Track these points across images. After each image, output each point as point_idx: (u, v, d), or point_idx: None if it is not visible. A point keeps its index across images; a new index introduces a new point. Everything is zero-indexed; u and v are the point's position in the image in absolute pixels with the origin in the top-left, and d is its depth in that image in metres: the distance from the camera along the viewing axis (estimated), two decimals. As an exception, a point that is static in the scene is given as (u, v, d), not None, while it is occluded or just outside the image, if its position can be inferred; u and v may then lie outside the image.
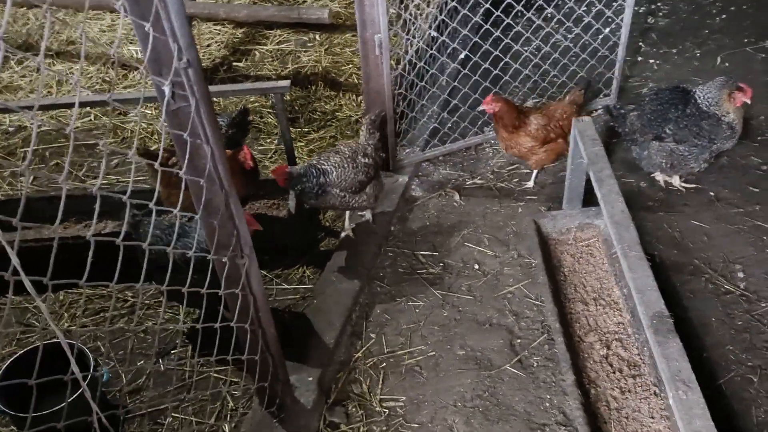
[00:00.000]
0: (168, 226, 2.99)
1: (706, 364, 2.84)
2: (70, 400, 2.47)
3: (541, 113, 3.73)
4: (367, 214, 3.63)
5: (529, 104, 4.20)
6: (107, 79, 5.30)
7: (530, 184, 3.90)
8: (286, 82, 3.16)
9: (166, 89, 1.74)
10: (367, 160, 3.24)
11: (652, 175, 3.82)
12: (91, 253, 1.51)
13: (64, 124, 4.81)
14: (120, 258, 1.68)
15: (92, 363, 2.64)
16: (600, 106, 4.44)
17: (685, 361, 1.93)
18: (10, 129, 4.88)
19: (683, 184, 3.73)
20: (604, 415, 2.54)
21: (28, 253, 1.50)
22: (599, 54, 4.35)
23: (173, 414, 2.77)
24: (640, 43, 5.24)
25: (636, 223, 3.57)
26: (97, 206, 1.57)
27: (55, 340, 2.92)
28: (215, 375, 2.91)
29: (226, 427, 2.71)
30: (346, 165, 3.17)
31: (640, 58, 5.07)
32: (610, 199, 2.56)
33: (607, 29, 4.28)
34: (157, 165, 1.76)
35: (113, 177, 4.30)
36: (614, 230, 2.45)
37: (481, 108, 3.70)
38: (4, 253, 1.34)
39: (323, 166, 3.15)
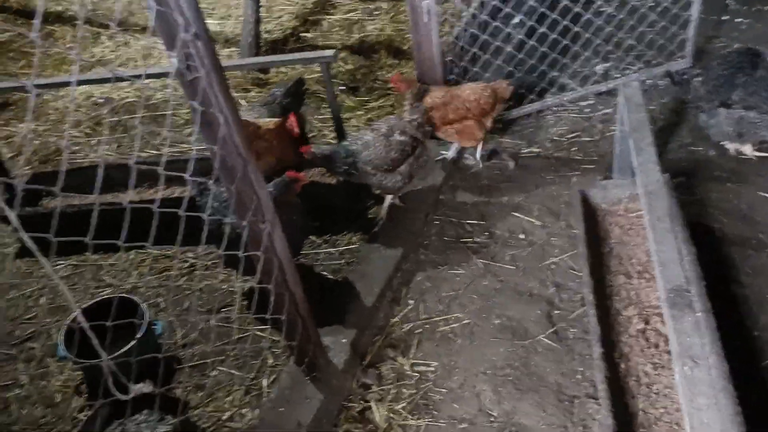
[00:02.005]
0: (226, 199, 3.12)
1: (757, 342, 2.68)
2: (128, 346, 2.72)
3: (441, 93, 3.58)
4: (387, 199, 3.54)
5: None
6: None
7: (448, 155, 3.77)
8: (331, 52, 3.21)
9: (176, 60, 1.84)
10: (403, 137, 3.23)
11: (722, 144, 3.58)
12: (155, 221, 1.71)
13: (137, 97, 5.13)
14: (182, 224, 1.87)
15: (147, 317, 2.87)
16: (673, 69, 4.18)
17: (697, 337, 1.85)
18: (100, 100, 5.26)
19: (756, 153, 3.48)
20: (633, 390, 2.47)
21: (104, 215, 1.68)
22: (672, 13, 4.07)
23: (218, 367, 2.96)
24: (728, 1, 4.84)
25: (701, 194, 3.42)
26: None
27: (117, 295, 3.20)
28: (258, 333, 3.07)
29: (264, 382, 2.86)
30: (377, 143, 3.19)
31: (726, 17, 4.70)
32: (646, 168, 2.45)
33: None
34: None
35: (186, 146, 4.55)
36: (646, 200, 2.34)
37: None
38: (79, 216, 1.53)
39: (352, 147, 3.19)
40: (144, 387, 2.19)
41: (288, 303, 2.47)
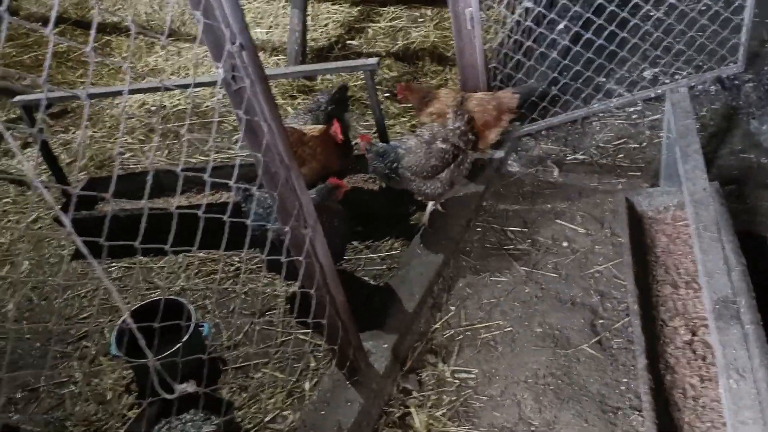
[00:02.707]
0: (270, 205, 3.18)
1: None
2: (176, 347, 2.81)
3: (449, 101, 3.51)
4: (429, 206, 3.52)
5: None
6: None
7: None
8: (374, 60, 3.25)
9: (222, 71, 1.91)
10: (445, 145, 3.24)
11: (776, 151, 3.47)
12: (201, 225, 1.81)
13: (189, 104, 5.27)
14: (227, 230, 1.96)
15: (194, 318, 2.96)
16: (724, 74, 4.07)
17: (743, 350, 1.80)
18: (152, 108, 5.44)
19: (811, 161, 3.36)
20: (678, 403, 2.41)
21: (154, 219, 1.77)
22: (723, 17, 3.96)
23: (262, 369, 3.03)
24: (783, 3, 4.69)
25: (752, 202, 3.32)
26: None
27: (166, 296, 3.30)
28: (301, 337, 3.13)
29: (307, 385, 2.91)
30: (419, 150, 3.21)
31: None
32: (693, 176, 2.40)
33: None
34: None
35: (233, 152, 4.67)
36: (692, 209, 2.29)
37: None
38: (131, 220, 1.61)
39: (398, 149, 3.21)
40: (188, 387, 2.25)
41: (329, 307, 2.51)
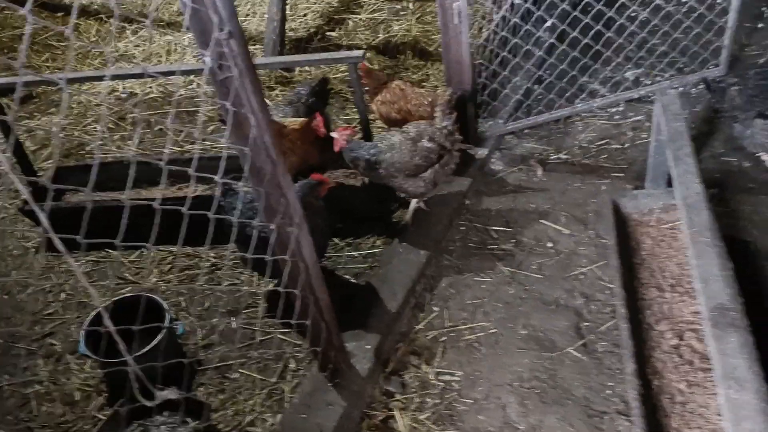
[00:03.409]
0: (251, 200, 3.06)
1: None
2: (149, 347, 2.69)
3: (398, 90, 3.64)
4: (413, 203, 3.46)
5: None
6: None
7: None
8: (359, 53, 3.16)
9: (209, 59, 1.80)
10: (430, 144, 3.17)
11: (757, 155, 3.48)
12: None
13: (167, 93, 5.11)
14: (211, 225, 1.89)
15: (169, 316, 2.83)
16: (707, 77, 4.09)
17: (742, 358, 1.78)
18: (123, 95, 5.25)
19: (792, 165, 3.39)
20: (666, 408, 2.39)
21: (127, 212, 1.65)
22: (707, 19, 3.97)
23: (240, 370, 2.92)
24: (763, 8, 4.73)
25: (733, 206, 3.33)
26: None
27: (139, 293, 3.17)
28: (280, 337, 3.03)
29: (286, 387, 2.82)
30: (403, 147, 3.13)
31: (760, 25, 4.59)
32: (685, 180, 2.37)
33: (717, -8, 3.91)
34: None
35: (209, 144, 4.52)
36: (685, 213, 2.27)
37: None
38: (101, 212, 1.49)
39: (379, 144, 3.13)
40: (170, 393, 2.16)
41: (313, 308, 2.43)
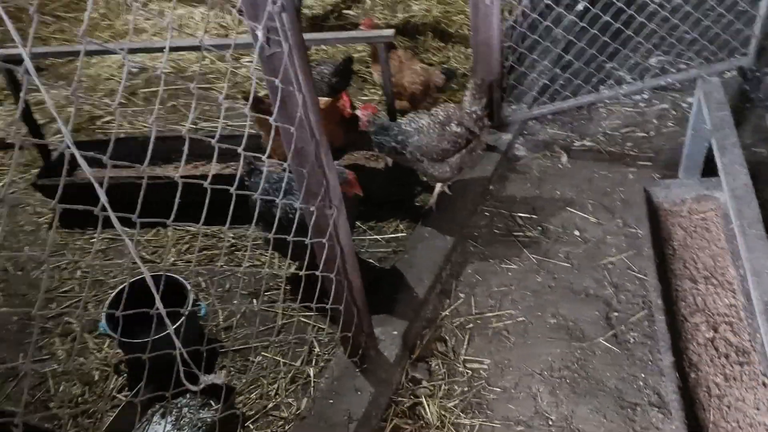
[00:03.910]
0: (277, 181, 3.01)
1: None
2: (174, 327, 2.62)
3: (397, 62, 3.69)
4: (437, 188, 3.41)
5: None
6: (224, 24, 5.44)
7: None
8: (390, 31, 3.08)
9: (260, 33, 1.73)
10: (459, 129, 3.10)
11: (788, 146, 3.44)
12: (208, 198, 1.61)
13: (181, 68, 5.01)
14: (232, 204, 1.80)
15: (192, 298, 2.77)
16: (733, 67, 4.02)
17: (801, 355, 1.74)
18: (134, 70, 5.13)
19: (823, 158, 3.34)
20: (702, 402, 2.36)
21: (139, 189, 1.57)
22: (737, 8, 3.90)
23: (263, 353, 2.87)
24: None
25: (762, 198, 3.27)
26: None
27: (161, 273, 3.10)
28: (303, 320, 2.98)
29: (311, 371, 2.77)
30: (431, 131, 3.05)
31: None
32: (733, 171, 2.32)
33: (750, -20, 3.84)
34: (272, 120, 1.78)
35: (223, 121, 4.43)
36: (734, 205, 2.22)
37: None
38: (119, 188, 1.42)
39: (406, 127, 3.06)
40: (216, 378, 2.11)
41: (347, 292, 2.38)
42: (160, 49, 3.75)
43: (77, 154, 1.30)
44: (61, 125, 1.23)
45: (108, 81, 4.95)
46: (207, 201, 1.69)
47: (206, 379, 1.80)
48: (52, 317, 3.18)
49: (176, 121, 4.45)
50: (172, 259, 3.43)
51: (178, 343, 1.58)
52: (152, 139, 1.56)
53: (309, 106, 1.91)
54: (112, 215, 1.33)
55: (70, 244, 3.58)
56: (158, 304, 1.60)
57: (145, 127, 4.40)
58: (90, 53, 3.65)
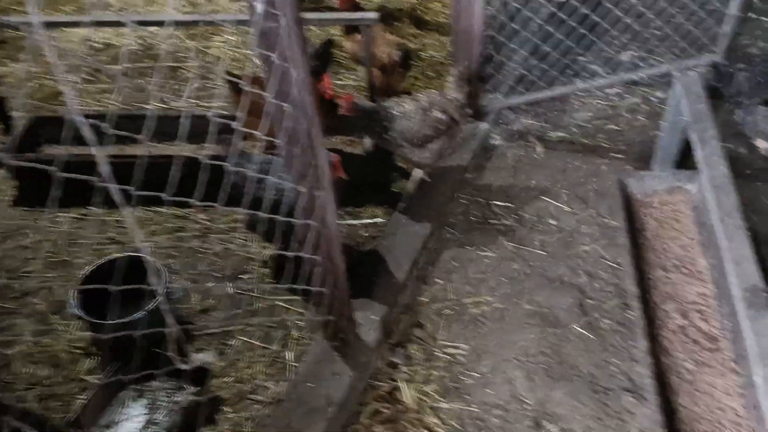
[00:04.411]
0: (262, 161, 2.93)
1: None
2: (150, 307, 2.56)
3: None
4: (415, 173, 3.43)
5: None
6: (193, 1, 5.31)
7: None
8: (374, 14, 3.06)
9: (259, 5, 1.69)
10: (440, 115, 3.11)
11: (753, 142, 3.56)
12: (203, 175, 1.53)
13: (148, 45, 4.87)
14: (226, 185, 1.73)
15: (166, 279, 2.71)
16: (703, 63, 4.13)
17: (778, 340, 1.81)
18: (98, 46, 4.97)
19: (787, 154, 3.47)
20: (674, 386, 2.44)
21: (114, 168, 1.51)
22: (708, 6, 4.00)
23: (239, 337, 2.83)
24: (754, -1, 4.81)
25: (731, 191, 3.38)
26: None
27: (132, 253, 3.02)
28: (282, 304, 2.95)
29: (289, 355, 2.75)
30: (415, 115, 3.06)
31: (751, 15, 4.66)
32: (712, 162, 2.39)
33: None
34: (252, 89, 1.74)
35: (194, 101, 4.33)
36: (713, 195, 2.29)
37: None
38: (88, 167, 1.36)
39: (390, 111, 3.06)
40: (207, 356, 2.06)
41: (330, 276, 2.36)
42: (125, 24, 3.63)
43: (83, 122, 1.24)
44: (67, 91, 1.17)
45: (72, 57, 4.78)
46: (202, 181, 1.65)
47: (197, 358, 1.76)
48: (16, 297, 3.08)
49: (144, 100, 4.33)
50: (142, 240, 3.35)
51: (171, 320, 1.53)
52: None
53: (304, 84, 1.88)
54: (115, 189, 1.27)
55: (31, 224, 3.46)
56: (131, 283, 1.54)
57: (111, 104, 4.27)
58: (50, 25, 3.48)
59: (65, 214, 3.48)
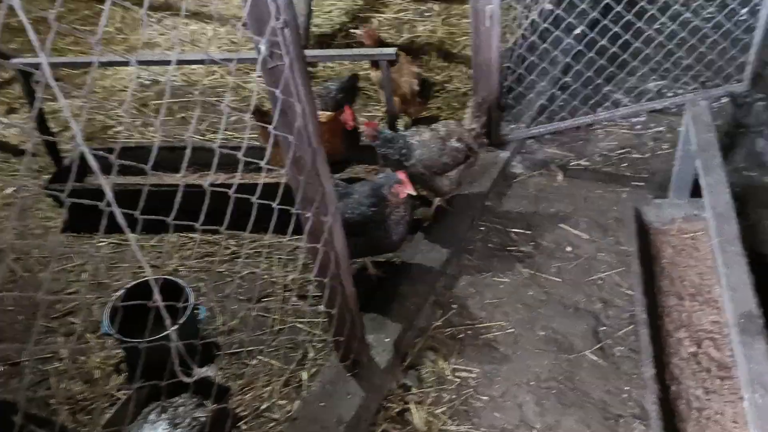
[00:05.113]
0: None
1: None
2: (177, 326, 2.71)
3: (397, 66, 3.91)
4: (435, 201, 3.53)
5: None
6: (234, 40, 5.60)
7: None
8: (392, 50, 3.20)
9: (263, 47, 1.84)
10: (458, 144, 3.22)
11: (777, 170, 3.52)
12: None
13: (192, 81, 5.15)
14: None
15: (192, 301, 2.87)
16: (728, 93, 4.12)
17: (769, 365, 1.81)
18: (146, 82, 5.29)
19: (813, 183, 3.42)
20: (683, 413, 2.42)
21: (149, 196, 1.67)
22: (733, 36, 4.01)
23: (258, 357, 2.96)
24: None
25: (753, 220, 3.36)
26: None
27: (163, 276, 3.20)
28: (299, 326, 3.06)
29: (305, 375, 2.85)
30: (433, 144, 3.17)
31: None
32: (716, 190, 2.40)
33: (745, 9, 3.94)
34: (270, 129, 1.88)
35: (230, 133, 4.56)
36: (715, 222, 2.30)
37: None
38: (128, 195, 1.52)
39: (410, 140, 3.17)
40: (209, 370, 2.19)
41: (340, 297, 2.46)
42: (169, 62, 3.88)
43: (87, 152, 1.40)
44: (74, 124, 1.32)
45: (121, 93, 5.10)
46: (231, 209, 1.78)
47: (199, 372, 1.88)
48: (56, 317, 3.29)
49: (184, 133, 4.57)
50: (174, 264, 3.54)
51: (173, 335, 1.66)
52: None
53: (308, 117, 2.02)
54: (119, 213, 1.42)
55: (76, 248, 3.70)
56: (158, 302, 1.68)
57: (154, 137, 4.53)
58: (103, 64, 3.75)
59: (106, 240, 3.71)
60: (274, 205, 2.12)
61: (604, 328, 2.96)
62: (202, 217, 1.78)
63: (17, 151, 4.50)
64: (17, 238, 3.81)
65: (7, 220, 3.94)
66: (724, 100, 4.14)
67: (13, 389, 2.95)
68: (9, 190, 4.18)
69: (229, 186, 1.86)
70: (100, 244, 3.68)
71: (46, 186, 3.80)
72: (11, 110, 4.97)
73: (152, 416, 2.65)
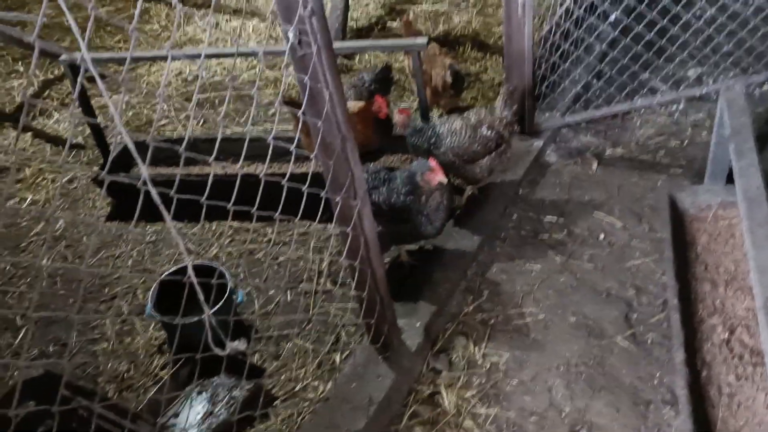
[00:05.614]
0: (375, 172, 3.13)
1: None
2: (216, 308, 2.83)
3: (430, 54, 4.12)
4: (468, 190, 3.57)
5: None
6: (273, 36, 5.72)
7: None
8: (423, 39, 3.24)
9: (291, 35, 1.91)
10: (489, 132, 3.24)
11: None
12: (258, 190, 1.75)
13: (229, 75, 5.28)
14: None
15: (230, 286, 2.98)
16: (765, 79, 4.02)
17: (796, 347, 1.80)
18: (189, 78, 5.46)
19: None
20: (713, 399, 2.41)
21: (191, 185, 1.76)
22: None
23: (294, 340, 3.05)
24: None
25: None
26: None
27: (203, 262, 3.33)
28: (335, 310, 3.14)
29: (337, 357, 2.93)
30: (463, 133, 3.20)
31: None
32: (747, 173, 2.38)
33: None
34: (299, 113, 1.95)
35: (269, 124, 4.67)
36: (745, 205, 2.28)
37: None
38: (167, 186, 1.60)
39: (439, 129, 3.21)
40: (240, 344, 2.28)
41: (370, 280, 2.53)
42: (199, 56, 4.01)
43: (130, 144, 1.48)
44: (115, 114, 1.40)
45: (166, 87, 5.26)
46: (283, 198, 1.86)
47: (231, 345, 1.97)
48: (104, 301, 3.45)
49: (226, 125, 4.71)
50: (215, 251, 3.66)
51: (207, 310, 1.75)
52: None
53: (336, 103, 2.08)
54: (158, 199, 1.50)
55: (123, 236, 3.86)
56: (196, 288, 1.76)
57: (196, 129, 4.67)
58: (139, 59, 3.90)
59: (151, 228, 3.86)
60: (322, 194, 2.21)
61: (636, 314, 2.95)
62: (256, 205, 1.90)
63: (72, 145, 4.71)
64: (68, 227, 4.00)
65: (61, 210, 4.15)
66: (767, 86, 4.05)
67: (62, 367, 3.11)
68: (63, 180, 4.38)
69: (282, 175, 1.94)
70: (148, 232, 3.84)
71: (94, 177, 3.97)
72: (63, 105, 5.20)
73: (194, 394, 2.78)
